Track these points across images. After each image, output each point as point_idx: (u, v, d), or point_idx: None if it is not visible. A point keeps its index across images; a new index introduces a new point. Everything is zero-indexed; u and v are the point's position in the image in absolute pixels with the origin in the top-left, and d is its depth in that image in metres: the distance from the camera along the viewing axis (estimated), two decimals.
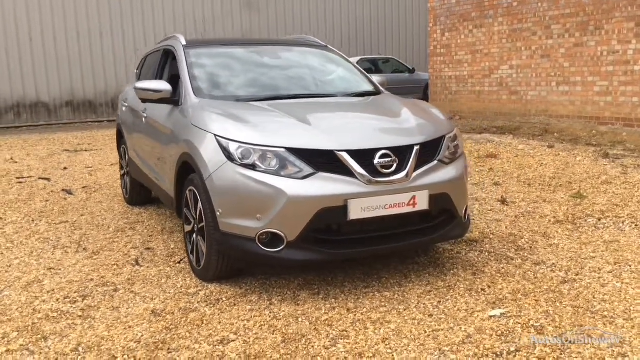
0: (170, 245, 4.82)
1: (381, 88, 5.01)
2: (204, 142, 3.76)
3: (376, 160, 3.54)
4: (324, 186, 3.45)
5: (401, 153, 3.64)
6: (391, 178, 3.56)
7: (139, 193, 6.14)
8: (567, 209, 5.59)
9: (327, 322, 3.30)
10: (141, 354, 3.01)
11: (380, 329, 3.21)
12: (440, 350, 2.96)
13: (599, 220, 5.21)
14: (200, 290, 3.83)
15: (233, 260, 3.78)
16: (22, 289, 3.96)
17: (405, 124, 3.96)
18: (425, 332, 3.16)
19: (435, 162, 3.80)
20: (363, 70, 5.29)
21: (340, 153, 3.51)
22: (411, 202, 3.61)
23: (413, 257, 4.36)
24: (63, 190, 7.26)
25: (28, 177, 8.18)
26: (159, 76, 5.34)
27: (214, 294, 3.76)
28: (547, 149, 8.82)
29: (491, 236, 4.84)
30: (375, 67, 18.53)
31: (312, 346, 3.03)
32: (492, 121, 12.06)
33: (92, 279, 4.09)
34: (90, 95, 16.36)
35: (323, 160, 3.51)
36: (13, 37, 15.29)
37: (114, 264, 4.40)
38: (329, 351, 2.98)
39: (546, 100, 11.23)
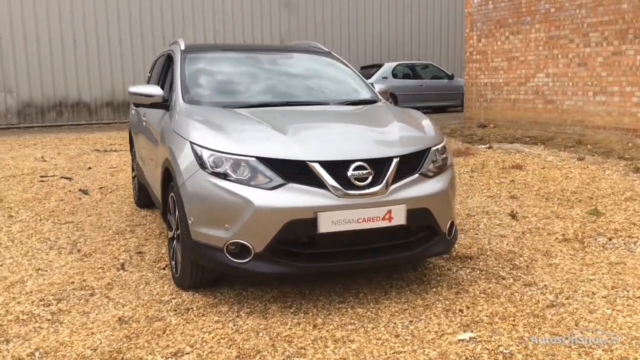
0: (161, 250, 4.81)
1: (379, 97, 4.88)
2: (181, 149, 3.72)
3: (350, 172, 3.42)
4: (294, 197, 3.35)
5: (378, 165, 3.51)
6: (365, 191, 3.43)
7: (146, 195, 6.17)
8: (579, 226, 5.32)
9: (287, 338, 3.20)
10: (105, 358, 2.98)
11: (341, 348, 3.08)
12: None
13: (610, 239, 4.93)
14: (173, 299, 3.78)
15: (205, 270, 3.72)
16: (4, 289, 4.01)
17: (389, 135, 3.82)
18: (386, 353, 3.02)
19: (417, 175, 3.65)
20: (363, 78, 5.16)
21: (312, 164, 3.40)
22: (387, 216, 3.47)
23: (400, 272, 4.21)
24: (80, 190, 7.38)
25: (51, 176, 8.37)
26: (161, 81, 5.34)
27: (186, 302, 3.71)
28: (576, 162, 8.47)
29: (489, 253, 4.64)
30: (413, 73, 18.28)
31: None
32: (526, 130, 11.69)
33: (73, 282, 4.11)
34: None
35: (294, 171, 3.41)
36: (57, 40, 15.78)
37: (100, 267, 4.41)
38: None
39: (582, 110, 10.80)
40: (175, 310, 3.60)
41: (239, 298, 3.78)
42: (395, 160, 3.56)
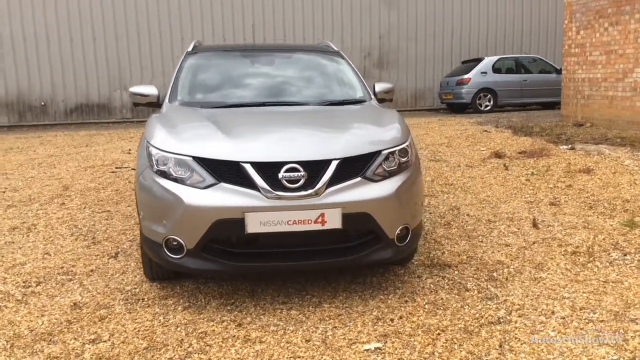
0: None
1: (371, 97, 4.77)
2: (142, 147, 3.92)
3: (281, 174, 3.42)
4: (223, 197, 3.42)
5: (314, 168, 3.47)
6: (296, 193, 3.41)
7: None
8: (603, 239, 4.86)
9: (202, 334, 3.28)
10: (22, 341, 3.25)
11: (245, 348, 3.11)
12: None
13: (625, 255, 4.47)
14: (134, 288, 4.01)
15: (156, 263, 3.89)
16: (5, 270, 4.45)
17: (337, 137, 3.75)
18: (285, 357, 3.01)
19: (358, 179, 3.55)
20: (362, 78, 5.05)
21: (244, 164, 3.44)
22: (319, 219, 3.43)
23: (365, 275, 4.12)
24: None
25: (125, 168, 9.03)
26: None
27: (141, 293, 3.92)
28: None
29: (474, 262, 4.39)
30: (517, 67, 17.38)
31: (162, 357, 3.04)
32: (621, 130, 10.71)
33: (62, 267, 4.47)
34: None
35: (227, 171, 3.47)
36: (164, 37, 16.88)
37: (97, 255, 4.75)
38: None
39: None
40: (127, 300, 3.81)
41: (193, 292, 3.92)
42: (334, 163, 3.49)
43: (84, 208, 6.43)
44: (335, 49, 5.43)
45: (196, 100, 4.60)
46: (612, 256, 4.47)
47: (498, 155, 9.12)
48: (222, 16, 17.35)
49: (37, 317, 3.58)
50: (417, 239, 3.94)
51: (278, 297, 3.79)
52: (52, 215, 6.13)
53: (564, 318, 3.41)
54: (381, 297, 3.76)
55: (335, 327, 3.35)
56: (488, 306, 3.59)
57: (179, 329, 3.36)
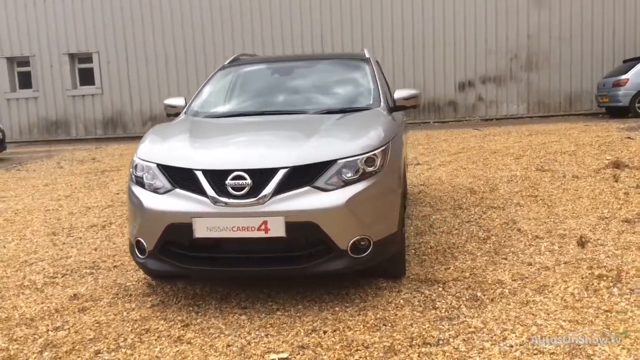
0: None
1: (381, 104, 4.63)
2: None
3: (227, 182, 3.52)
4: (176, 203, 3.60)
5: (260, 176, 3.51)
6: (240, 200, 3.49)
7: None
8: None
9: (143, 330, 3.49)
10: (6, 324, 3.72)
11: (170, 347, 3.26)
12: None
13: None
14: (133, 285, 4.35)
15: None
16: (50, 263, 5.05)
17: (296, 146, 3.72)
18: (190, 357, 3.11)
19: (307, 187, 3.51)
20: (380, 86, 4.87)
21: (197, 172, 3.60)
22: (262, 227, 3.46)
23: (349, 286, 4.03)
24: None
25: None
26: None
27: (133, 289, 4.25)
28: None
29: (469, 280, 4.08)
30: None
31: (92, 348, 3.30)
32: None
33: (94, 262, 4.97)
34: None
35: (182, 178, 3.65)
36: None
37: (127, 252, 5.20)
38: (94, 356, 3.21)
39: None
40: (117, 295, 4.16)
41: (176, 291, 4.15)
42: (281, 172, 3.51)
43: None
44: (367, 56, 5.34)
45: (203, 110, 4.85)
46: (635, 282, 3.86)
47: (617, 165, 8.19)
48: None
49: (37, 304, 4.06)
50: (386, 252, 3.77)
51: (243, 303, 3.87)
52: None
53: (511, 346, 3.06)
54: (337, 308, 3.67)
55: (268, 334, 3.36)
56: (440, 327, 3.34)
57: (129, 324, 3.61)
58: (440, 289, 3.95)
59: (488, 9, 17.47)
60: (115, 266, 4.84)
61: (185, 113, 4.86)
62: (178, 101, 5.09)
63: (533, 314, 3.46)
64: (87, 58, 18.91)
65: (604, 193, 6.60)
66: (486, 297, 3.77)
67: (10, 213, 7.31)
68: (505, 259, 4.54)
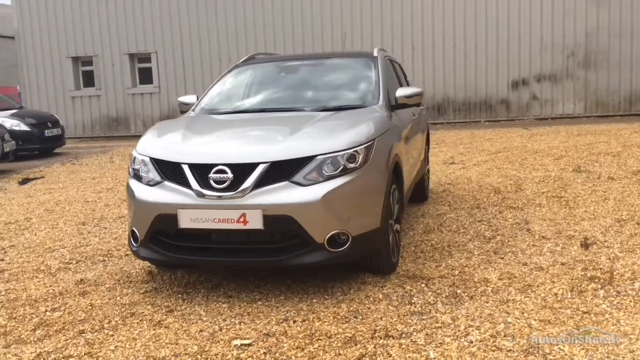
0: None
1: (379, 101, 4.66)
2: None
3: (210, 175, 3.68)
4: (163, 194, 3.80)
5: (241, 170, 3.65)
6: (220, 193, 3.64)
7: None
8: None
9: (130, 314, 3.71)
10: (13, 304, 4.01)
11: (147, 331, 3.44)
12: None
13: None
14: (135, 272, 4.58)
15: None
16: (70, 250, 5.37)
17: (278, 141, 3.85)
18: (167, 343, 3.27)
19: (285, 182, 3.63)
20: (383, 83, 4.90)
21: (183, 165, 3.78)
22: (241, 219, 3.60)
23: (335, 279, 4.11)
24: None
25: None
26: None
27: (134, 276, 4.48)
28: None
29: (454, 277, 4.09)
30: None
31: (78, 327, 3.53)
32: None
33: (109, 250, 5.26)
34: None
35: (171, 171, 3.85)
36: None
37: None
38: (77, 335, 3.44)
39: None
40: (118, 281, 4.40)
41: (172, 279, 4.35)
42: (261, 166, 3.64)
43: None
44: (375, 54, 5.38)
45: (209, 108, 5.04)
46: (635, 286, 3.77)
47: None
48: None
49: (45, 287, 4.35)
50: (366, 247, 3.84)
51: (230, 292, 4.02)
52: None
53: (470, 342, 3.07)
54: (315, 300, 3.77)
55: (242, 322, 3.49)
56: (408, 321, 3.38)
57: (118, 307, 3.83)
58: (423, 285, 3.97)
59: (544, 6, 16.97)
60: (127, 254, 5.09)
61: (193, 110, 5.06)
62: (190, 99, 5.29)
63: (507, 312, 3.45)
64: (146, 58, 19.63)
65: (632, 195, 6.38)
66: (466, 294, 3.78)
67: (52, 204, 7.76)
68: (502, 258, 4.50)
